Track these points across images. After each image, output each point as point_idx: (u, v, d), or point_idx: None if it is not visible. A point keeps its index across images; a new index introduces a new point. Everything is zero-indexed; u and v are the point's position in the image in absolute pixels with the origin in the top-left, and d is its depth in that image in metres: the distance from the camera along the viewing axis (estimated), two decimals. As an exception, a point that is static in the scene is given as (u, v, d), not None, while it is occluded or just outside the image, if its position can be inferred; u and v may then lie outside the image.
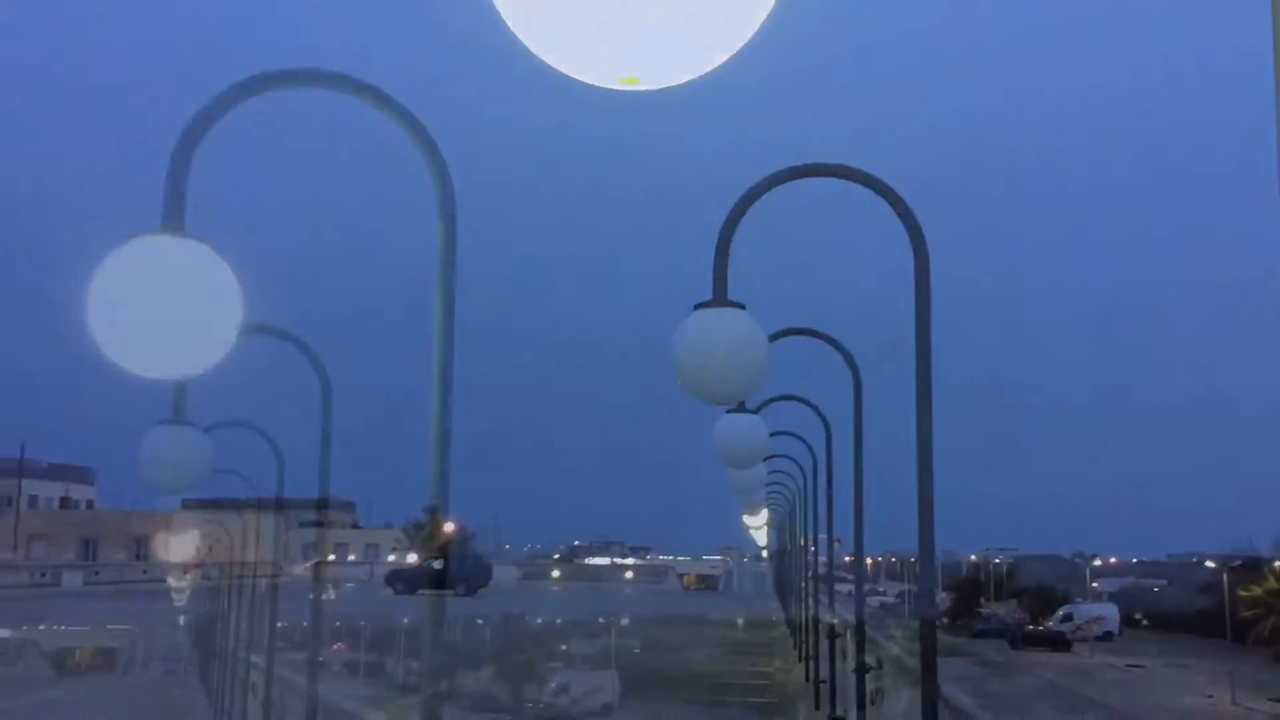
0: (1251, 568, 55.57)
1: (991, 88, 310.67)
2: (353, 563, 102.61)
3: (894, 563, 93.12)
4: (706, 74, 1.90)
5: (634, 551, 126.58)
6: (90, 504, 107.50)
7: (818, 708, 17.25)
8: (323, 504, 7.17)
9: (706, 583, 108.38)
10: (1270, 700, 37.79)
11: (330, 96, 3.68)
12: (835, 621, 16.12)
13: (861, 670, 10.00)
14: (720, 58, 1.87)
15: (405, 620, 59.17)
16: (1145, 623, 67.02)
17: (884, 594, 75.93)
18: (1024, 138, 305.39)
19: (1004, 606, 68.78)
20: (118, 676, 59.71)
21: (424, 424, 3.71)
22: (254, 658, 16.82)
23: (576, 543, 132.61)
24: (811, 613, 20.55)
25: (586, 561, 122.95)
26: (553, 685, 56.35)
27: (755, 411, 6.55)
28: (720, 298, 4.19)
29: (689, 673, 55.30)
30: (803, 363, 8.75)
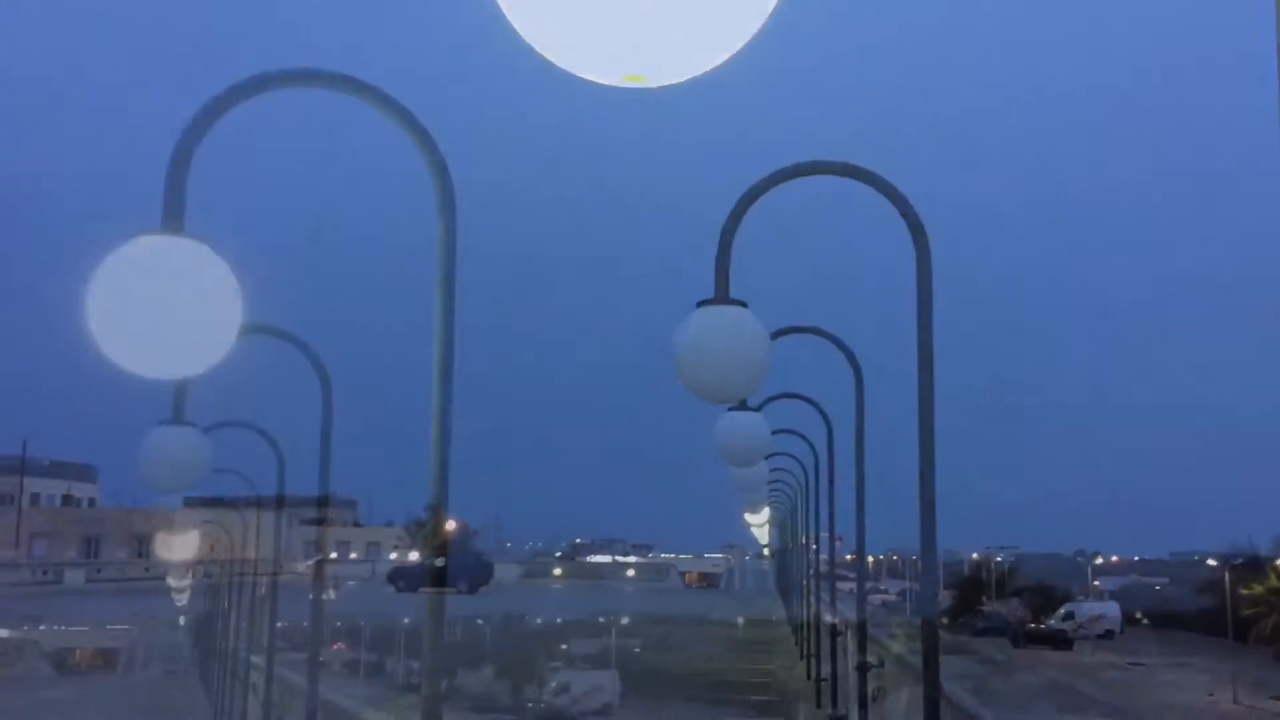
0: (1253, 566, 55.55)
1: (991, 87, 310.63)
2: (354, 560, 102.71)
3: (895, 561, 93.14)
4: (710, 71, 1.90)
5: (635, 549, 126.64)
6: (92, 502, 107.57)
7: (819, 706, 17.24)
8: (323, 502, 7.17)
9: (708, 581, 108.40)
10: (1272, 699, 37.77)
11: (330, 96, 3.68)
12: (836, 621, 16.12)
13: (863, 669, 10.00)
14: (723, 55, 1.87)
15: (406, 620, 59.19)
16: (1146, 621, 67.00)
17: (885, 592, 75.94)
18: (1026, 137, 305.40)
19: (1005, 605, 68.76)
20: (118, 676, 59.74)
21: (425, 422, 3.71)
22: (254, 658, 16.83)
23: (578, 540, 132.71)
24: (813, 611, 20.55)
25: (588, 559, 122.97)
26: (553, 685, 56.36)
27: (757, 409, 6.55)
28: (722, 295, 4.18)
29: (690, 671, 55.26)
30: (804, 361, 8.74)
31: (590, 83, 1.88)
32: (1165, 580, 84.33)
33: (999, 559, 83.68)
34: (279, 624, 13.84)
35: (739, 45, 1.86)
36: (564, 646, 66.62)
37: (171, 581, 28.36)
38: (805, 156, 4.97)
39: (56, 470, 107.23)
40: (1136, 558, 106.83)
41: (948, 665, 5.79)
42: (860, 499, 8.92)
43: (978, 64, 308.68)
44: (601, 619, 70.53)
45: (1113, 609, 66.27)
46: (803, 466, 15.07)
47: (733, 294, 4.21)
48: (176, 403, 5.79)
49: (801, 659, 24.37)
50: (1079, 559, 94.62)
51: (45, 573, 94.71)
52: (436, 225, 3.70)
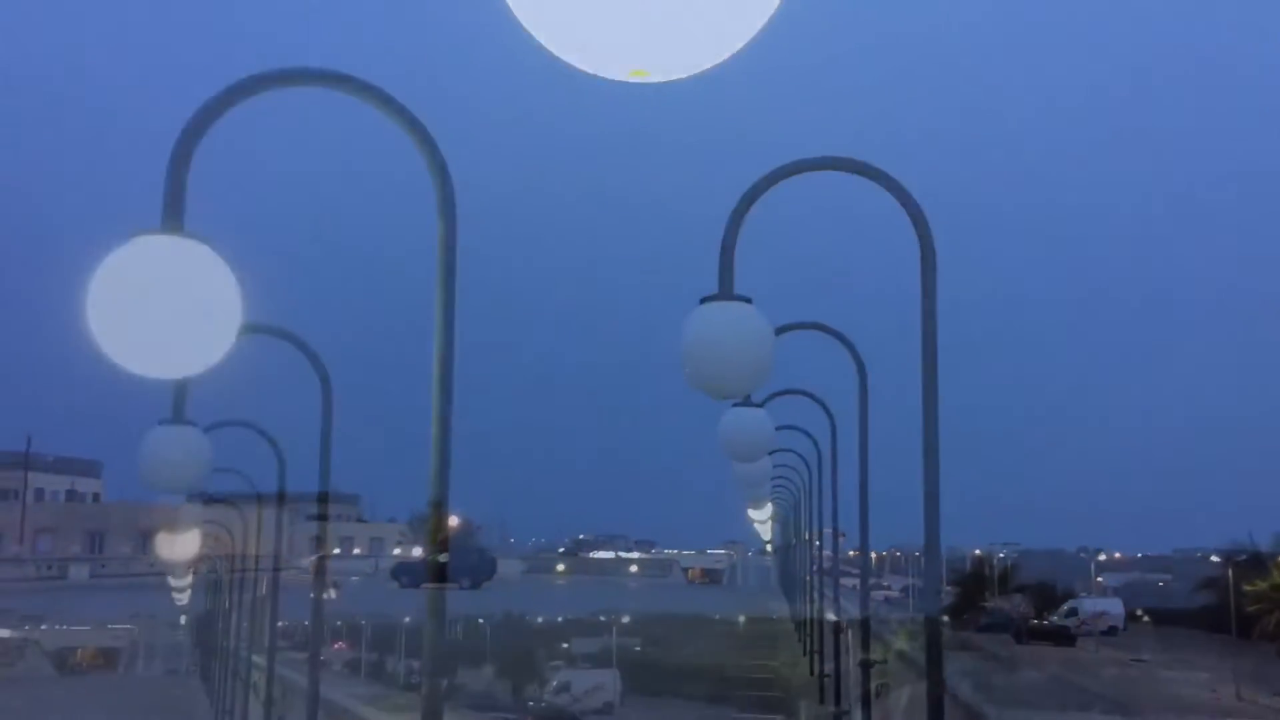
0: (1256, 563, 55.48)
1: (991, 87, 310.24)
2: (358, 556, 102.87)
3: (898, 557, 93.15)
4: (714, 68, 1.89)
5: (638, 546, 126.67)
6: (97, 497, 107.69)
7: (822, 702, 17.25)
8: (323, 499, 7.17)
9: (711, 577, 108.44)
10: (1276, 695, 37.74)
11: (331, 96, 3.67)
12: (840, 619, 16.11)
13: (866, 665, 10.00)
14: (727, 52, 1.88)
15: (407, 619, 59.22)
16: (1147, 618, 66.98)
17: (888, 588, 75.96)
18: (1028, 137, 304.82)
19: (1008, 601, 68.75)
20: (119, 676, 59.80)
21: (428, 419, 3.71)
22: (255, 657, 16.84)
23: (581, 536, 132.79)
24: (816, 607, 20.55)
25: (591, 555, 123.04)
26: (554, 683, 56.41)
27: (760, 405, 6.55)
28: (726, 291, 4.18)
29: (692, 668, 55.27)
30: (808, 357, 8.73)
31: (593, 81, 1.88)
32: (1168, 577, 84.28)
33: (1001, 555, 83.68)
34: (280, 623, 13.84)
35: (743, 42, 1.86)
36: (565, 645, 66.66)
37: (172, 580, 28.34)
38: (807, 155, 4.96)
39: (61, 466, 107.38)
40: (1140, 554, 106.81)
41: (951, 661, 5.79)
42: (864, 495, 8.91)
43: (978, 64, 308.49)
44: (602, 618, 70.55)
45: (1116, 605, 66.23)
46: (806, 463, 15.05)
47: (737, 290, 4.21)
48: (177, 402, 5.78)
49: (804, 655, 24.37)
50: (1082, 555, 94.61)
51: (50, 568, 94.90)
52: (438, 224, 3.70)
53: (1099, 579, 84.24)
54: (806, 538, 20.35)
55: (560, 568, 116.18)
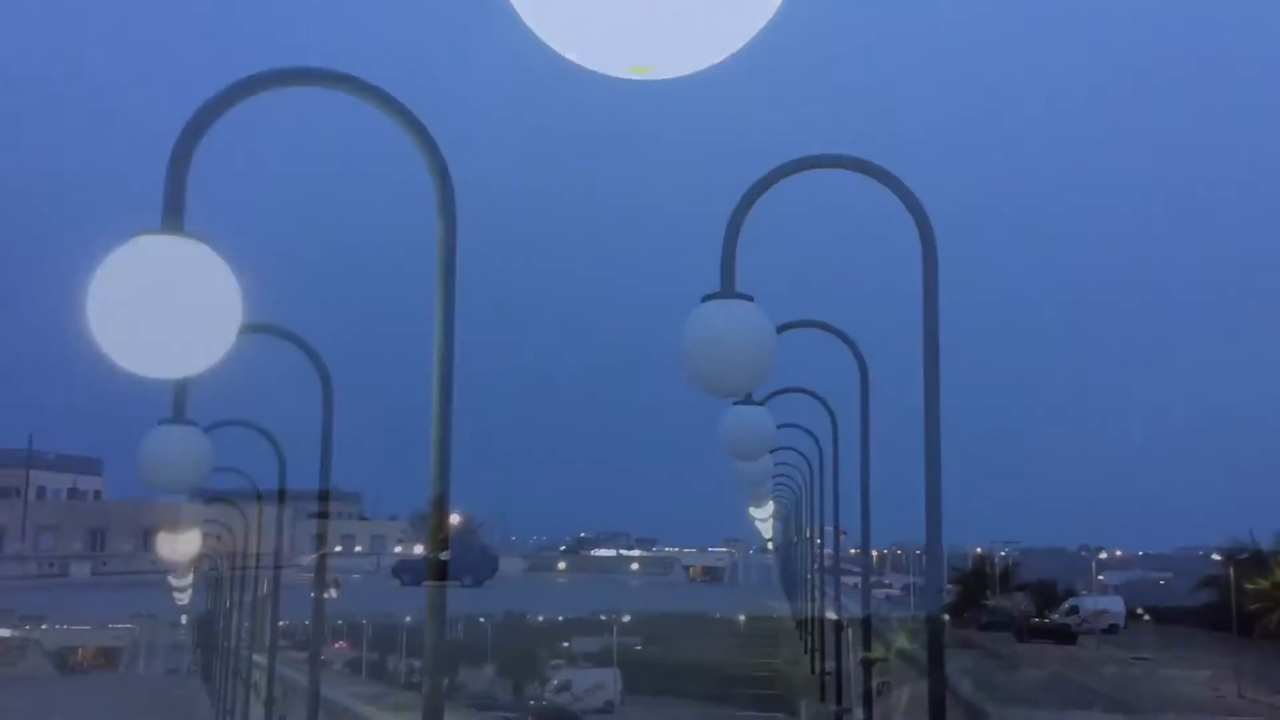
0: (1258, 561, 55.44)
1: (992, 88, 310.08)
2: (359, 554, 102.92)
3: (899, 555, 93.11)
4: (716, 65, 1.89)
5: (639, 544, 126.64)
6: (98, 495, 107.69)
7: (823, 700, 17.25)
8: (324, 497, 7.18)
9: (712, 575, 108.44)
10: (1277, 693, 37.72)
11: (331, 95, 3.67)
12: (841, 618, 16.11)
13: (867, 664, 10.00)
14: (730, 49, 1.87)
15: (408, 618, 59.21)
16: (1147, 617, 66.98)
17: (889, 586, 75.94)
18: (1029, 137, 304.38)
19: (1009, 599, 68.76)
20: (120, 675, 59.76)
21: (430, 417, 3.71)
22: (256, 656, 16.84)
23: (582, 534, 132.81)
24: (817, 605, 20.55)
25: (592, 553, 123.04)
26: (555, 682, 56.43)
27: (761, 404, 6.54)
28: (728, 289, 4.17)
29: (693, 666, 55.26)
30: (809, 355, 8.73)
31: (593, 81, 1.88)
32: (1169, 575, 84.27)
33: (1002, 553, 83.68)
34: (281, 622, 13.83)
35: (745, 40, 1.86)
36: (566, 644, 66.67)
37: (173, 580, 28.32)
38: (808, 155, 4.96)
39: (62, 463, 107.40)
40: (1141, 552, 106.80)
41: (952, 659, 5.79)
42: (865, 493, 8.91)
43: (978, 64, 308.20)
44: (603, 617, 70.51)
45: (1117, 604, 66.23)
46: (807, 461, 15.06)
47: (738, 288, 4.20)
48: (177, 401, 5.78)
49: (806, 654, 24.37)
50: (1083, 553, 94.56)
51: (51, 565, 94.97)
52: (438, 224, 3.70)
53: (1100, 577, 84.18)
54: (808, 536, 20.35)
55: (561, 566, 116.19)
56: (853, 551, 17.88)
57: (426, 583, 3.74)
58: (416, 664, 46.84)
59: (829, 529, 15.12)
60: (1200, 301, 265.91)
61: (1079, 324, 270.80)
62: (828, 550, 17.37)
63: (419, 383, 3.68)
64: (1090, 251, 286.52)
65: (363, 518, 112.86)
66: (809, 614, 23.70)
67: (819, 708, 17.64)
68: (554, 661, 62.49)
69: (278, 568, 14.00)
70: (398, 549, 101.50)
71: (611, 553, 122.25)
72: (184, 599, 34.35)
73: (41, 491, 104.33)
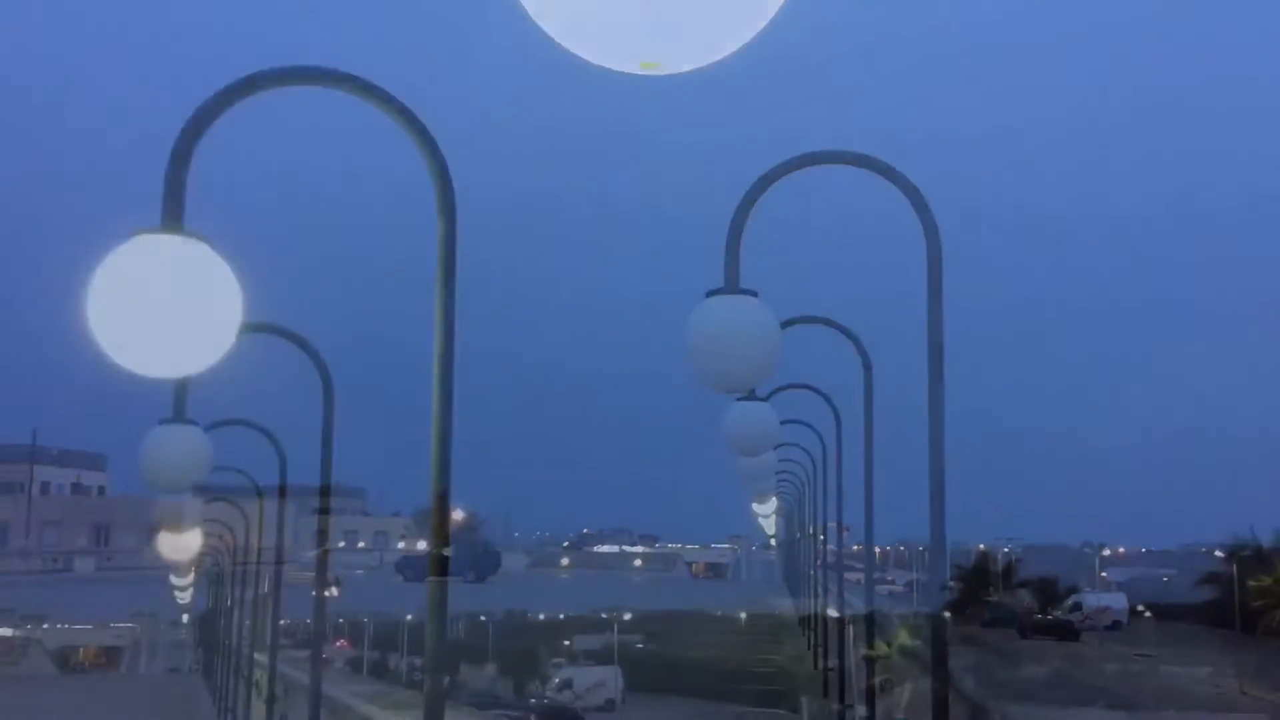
0: (1260, 558, 55.38)
1: (992, 88, 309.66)
2: (362, 549, 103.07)
3: (902, 552, 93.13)
4: (723, 59, 1.89)
5: (642, 540, 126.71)
6: (102, 490, 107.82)
7: (826, 695, 17.24)
8: (325, 494, 7.19)
9: (715, 571, 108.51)
10: (1278, 690, 37.70)
11: (331, 95, 3.67)
12: (844, 615, 16.09)
13: (870, 660, 9.99)
14: (736, 44, 1.88)
15: (409, 616, 59.26)
16: (1149, 614, 66.96)
17: (892, 583, 75.93)
18: (1030, 137, 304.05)
19: (1012, 596, 68.74)
20: (121, 674, 59.82)
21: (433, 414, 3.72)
22: (258, 655, 16.85)
23: (585, 531, 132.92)
24: (820, 602, 20.53)
25: (595, 549, 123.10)
26: (556, 680, 56.46)
27: (765, 399, 6.52)
28: (732, 284, 4.16)
29: (695, 663, 55.32)
30: (813, 352, 8.72)
31: (594, 80, 1.87)
32: (1172, 572, 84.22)
33: (1006, 550, 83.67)
34: (282, 621, 13.83)
35: (752, 34, 1.86)
36: (567, 643, 66.70)
37: (174, 579, 28.34)
38: (812, 151, 4.95)
39: (66, 459, 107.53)
40: (1144, 549, 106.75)
41: (956, 656, 5.78)
42: (869, 490, 8.90)
43: (979, 63, 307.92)
44: (604, 615, 70.51)
45: (1120, 600, 66.23)
46: (810, 457, 15.04)
47: (742, 284, 4.19)
48: (177, 401, 5.77)
49: (809, 650, 24.37)
50: (1086, 550, 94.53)
51: (55, 561, 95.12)
52: (438, 224, 3.70)
53: (1103, 574, 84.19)
54: (810, 532, 20.34)
55: (564, 562, 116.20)
56: (855, 548, 17.88)
57: (429, 578, 3.74)
58: (418, 662, 46.87)
59: (832, 525, 15.10)
60: (1200, 301, 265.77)
61: (1079, 324, 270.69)
62: (831, 546, 17.36)
63: (423, 380, 3.68)
64: (1093, 251, 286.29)
65: (365, 514, 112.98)
66: (812, 610, 23.70)
67: (822, 704, 17.64)
68: (555, 659, 62.54)
69: (279, 563, 13.99)
70: (401, 545, 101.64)
71: (614, 549, 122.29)
72: (185, 597, 34.39)
73: (45, 487, 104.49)
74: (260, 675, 14.66)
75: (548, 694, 54.05)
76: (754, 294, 4.13)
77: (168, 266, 3.02)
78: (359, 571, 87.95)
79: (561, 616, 75.79)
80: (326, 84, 3.69)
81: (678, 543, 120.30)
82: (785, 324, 6.01)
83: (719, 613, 74.09)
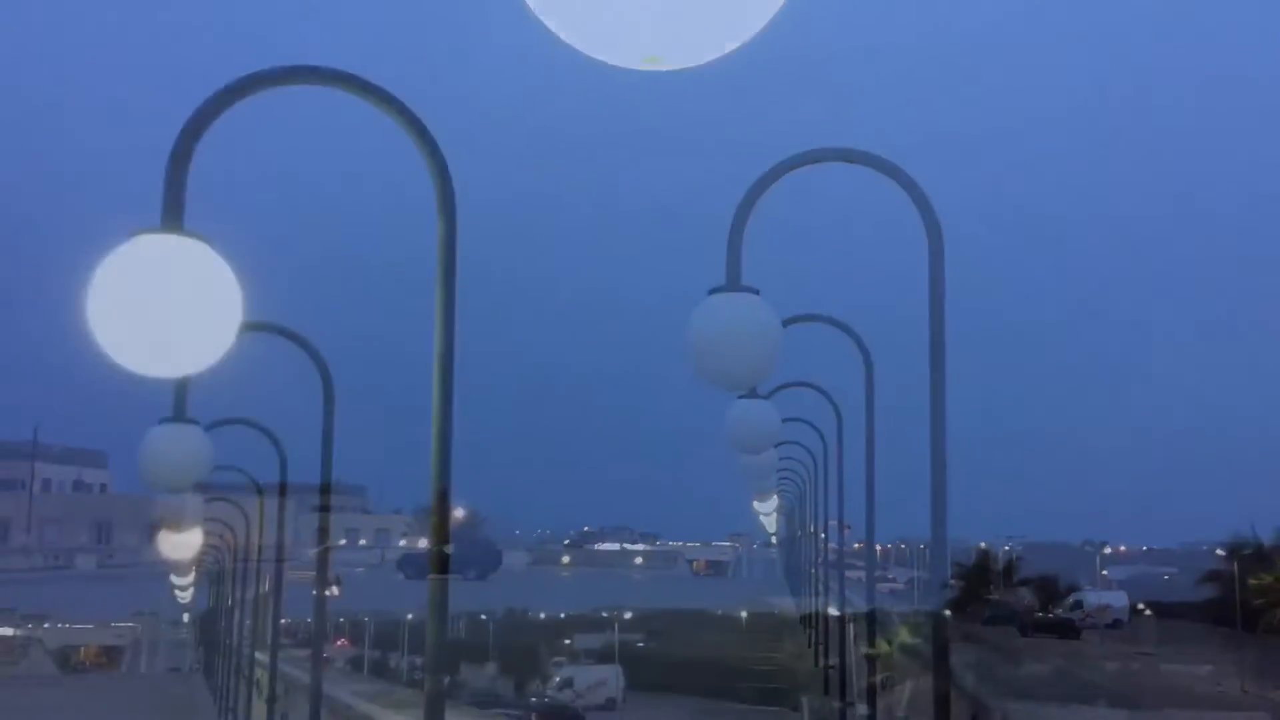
0: (1261, 556, 55.38)
1: (992, 88, 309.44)
2: (364, 547, 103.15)
3: (903, 549, 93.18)
4: (727, 55, 1.89)
5: (643, 538, 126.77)
6: (104, 487, 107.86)
7: (827, 693, 17.25)
8: (325, 491, 7.19)
9: (716, 569, 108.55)
10: (1279, 688, 37.70)
11: (332, 95, 3.67)
12: (845, 614, 16.09)
13: (871, 658, 9.99)
14: (740, 39, 1.87)
15: (409, 616, 59.25)
16: (1148, 612, 66.99)
17: (893, 581, 75.97)
18: (1030, 137, 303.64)
19: (1012, 594, 68.77)
20: (122, 674, 59.80)
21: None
22: (259, 654, 16.86)
23: (586, 528, 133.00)
24: (821, 600, 20.54)
25: (596, 547, 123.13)
26: (557, 679, 56.47)
27: (767, 397, 6.52)
28: (734, 282, 4.15)
29: (696, 662, 55.33)
30: (815, 350, 8.72)
31: (594, 80, 1.87)
32: (1173, 570, 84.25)
33: (1006, 548, 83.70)
34: (283, 620, 13.82)
35: (755, 30, 1.86)
36: (568, 641, 66.73)
37: (175, 579, 28.34)
38: (815, 148, 4.95)
39: (68, 456, 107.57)
40: (1145, 548, 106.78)
41: (956, 654, 5.77)
42: (870, 488, 8.90)
43: (979, 63, 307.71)
44: (604, 614, 70.50)
45: (1120, 598, 66.26)
46: (811, 455, 15.03)
47: (743, 283, 4.19)
48: (178, 400, 5.77)
49: (809, 648, 24.38)
50: (1087, 549, 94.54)
51: (57, 558, 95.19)
52: (438, 223, 3.71)
53: (1104, 572, 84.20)
54: (812, 530, 20.34)
55: (565, 559, 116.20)
56: (856, 546, 17.87)
57: (430, 576, 3.75)
58: (418, 661, 46.87)
59: (833, 523, 15.11)
60: (1200, 301, 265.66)
61: (1079, 324, 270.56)
62: (832, 544, 17.36)
63: (423, 380, 3.69)
64: (1090, 252, 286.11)
65: (367, 511, 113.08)
66: (813, 608, 23.71)
67: (823, 702, 17.65)
68: (556, 659, 62.55)
69: (279, 560, 13.99)
70: (402, 542, 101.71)
71: (615, 547, 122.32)
72: (186, 597, 34.40)
73: (47, 484, 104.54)
74: (261, 674, 14.66)
75: (548, 693, 54.07)
76: (756, 291, 4.13)
77: (168, 266, 3.02)
78: (360, 569, 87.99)
79: (562, 615, 75.78)
80: (326, 84, 3.68)
81: (679, 541, 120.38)
82: (786, 322, 6.01)
83: (720, 611, 74.10)
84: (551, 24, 1.79)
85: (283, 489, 10.04)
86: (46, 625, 65.70)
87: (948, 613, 5.45)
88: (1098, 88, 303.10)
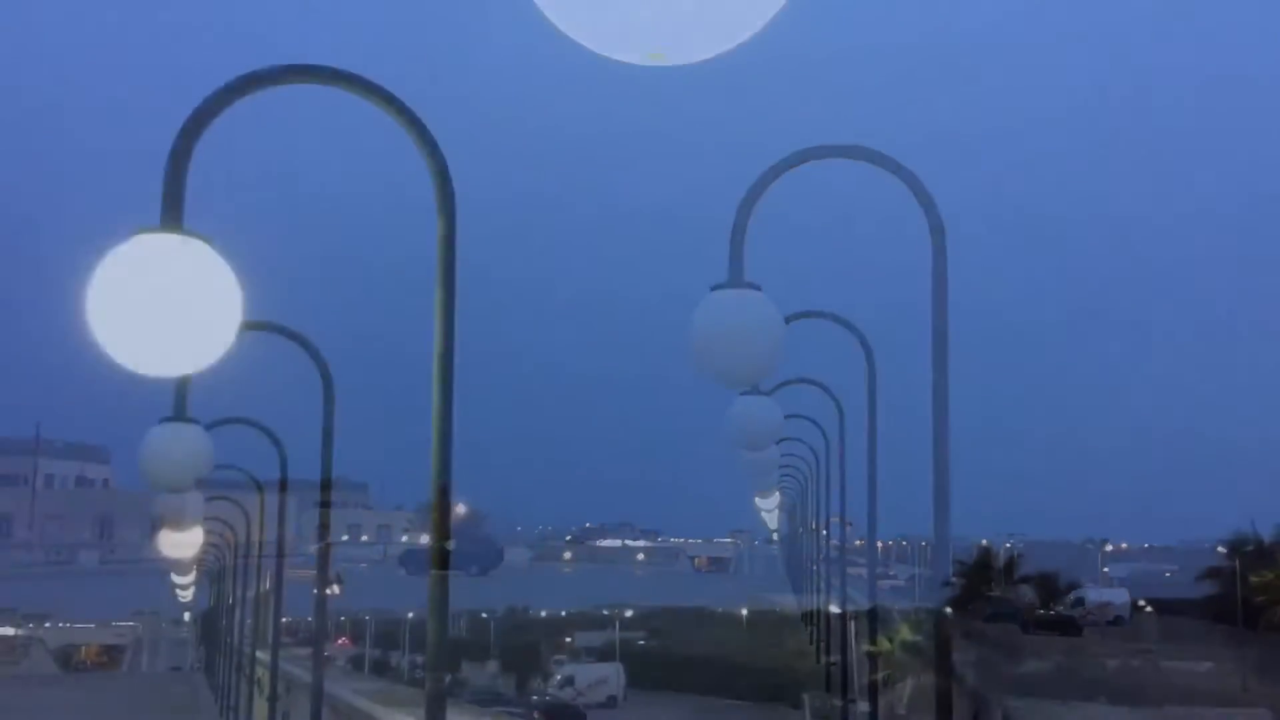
0: (1262, 554, 55.32)
1: (993, 88, 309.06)
2: (365, 543, 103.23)
3: (905, 546, 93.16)
4: (728, 51, 1.88)
5: (645, 534, 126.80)
6: (106, 483, 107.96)
7: (828, 690, 17.25)
8: (325, 488, 7.19)
9: (717, 565, 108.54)
10: (1281, 686, 37.66)
11: (332, 94, 3.67)
12: (846, 610, 16.09)
13: (873, 655, 9.98)
14: (743, 35, 1.87)
15: (410, 614, 59.22)
16: (1149, 609, 66.99)
17: (894, 577, 75.96)
18: (1030, 137, 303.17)
19: (1013, 591, 68.74)
20: (123, 673, 59.73)
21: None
22: (259, 653, 16.85)
23: (588, 525, 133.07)
24: (822, 596, 20.54)
25: (597, 543, 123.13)
26: (558, 677, 56.45)
27: (769, 394, 6.51)
28: (736, 279, 4.14)
29: (697, 659, 55.32)
30: (817, 347, 8.71)
31: (594, 80, 1.87)
32: (1174, 567, 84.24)
33: (1008, 545, 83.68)
34: (284, 619, 13.80)
35: (758, 26, 1.85)
36: (569, 639, 66.73)
37: (176, 578, 28.30)
38: (817, 145, 4.93)
39: (70, 452, 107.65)
40: (1146, 545, 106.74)
41: (956, 651, 5.77)
42: (872, 484, 8.89)
43: (979, 63, 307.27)
44: (605, 611, 70.44)
45: (1122, 595, 66.26)
46: (813, 452, 15.02)
47: (746, 278, 4.17)
48: (178, 399, 5.77)
49: (811, 644, 24.37)
50: (1088, 546, 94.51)
51: (59, 554, 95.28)
52: (438, 223, 3.70)
53: (1105, 569, 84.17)
54: (813, 527, 20.33)
55: (567, 556, 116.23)
56: (858, 542, 17.87)
57: (431, 572, 3.75)
58: (419, 660, 46.83)
59: (835, 520, 15.10)
60: (1200, 302, 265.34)
61: (1079, 324, 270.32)
62: (833, 541, 17.35)
63: (424, 379, 3.69)
64: (1090, 252, 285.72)
65: (368, 507, 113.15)
66: (815, 605, 23.70)
67: (824, 699, 17.65)
68: (557, 656, 62.56)
69: (280, 556, 13.98)
70: (404, 538, 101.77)
71: (617, 543, 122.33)
72: (187, 596, 34.33)
73: (49, 480, 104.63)
74: (262, 673, 14.66)
75: (550, 691, 54.07)
76: (758, 288, 4.12)
77: (168, 265, 3.01)
78: (363, 564, 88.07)
79: (563, 613, 75.77)
80: (327, 83, 3.68)
81: (680, 537, 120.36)
82: (789, 319, 6.00)
83: (721, 608, 74.08)
84: (555, 19, 1.79)
85: (283, 485, 10.04)
86: (48, 625, 65.79)
87: (949, 610, 5.44)
88: (1098, 88, 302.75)
